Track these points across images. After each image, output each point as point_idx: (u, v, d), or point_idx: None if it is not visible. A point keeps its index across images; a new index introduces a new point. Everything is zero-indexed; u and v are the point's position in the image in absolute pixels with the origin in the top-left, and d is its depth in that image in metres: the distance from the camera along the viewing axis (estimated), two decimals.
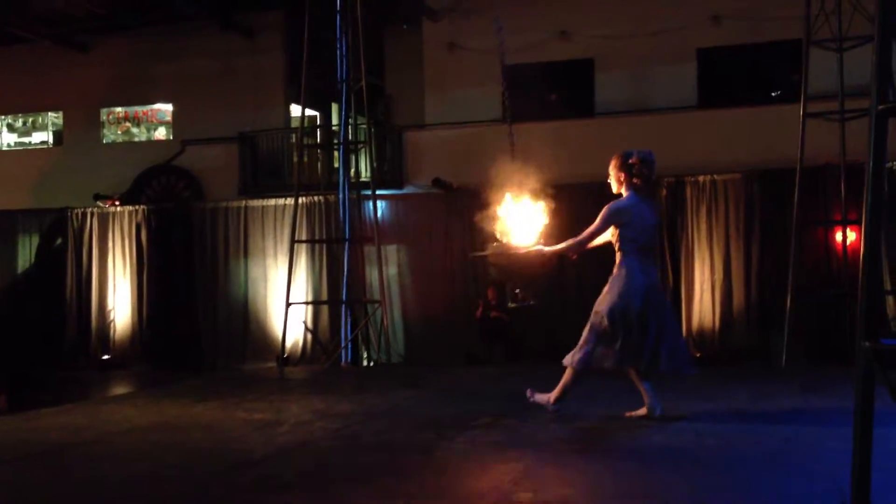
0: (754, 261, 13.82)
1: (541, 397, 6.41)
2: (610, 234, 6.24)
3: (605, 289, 6.21)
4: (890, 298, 12.98)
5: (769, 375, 9.29)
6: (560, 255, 6.48)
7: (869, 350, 3.06)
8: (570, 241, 6.30)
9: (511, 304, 6.92)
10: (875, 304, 3.20)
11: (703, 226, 14.08)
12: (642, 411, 6.20)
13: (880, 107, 3.08)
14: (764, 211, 13.78)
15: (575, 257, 6.55)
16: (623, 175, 6.17)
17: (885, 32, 3.10)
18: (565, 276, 13.60)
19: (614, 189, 6.29)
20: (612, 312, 6.07)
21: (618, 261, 6.20)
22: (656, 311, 6.11)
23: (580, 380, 6.28)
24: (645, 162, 6.15)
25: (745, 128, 14.73)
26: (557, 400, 6.32)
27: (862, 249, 3.20)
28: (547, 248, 6.40)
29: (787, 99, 14.88)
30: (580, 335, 6.26)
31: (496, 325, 14.24)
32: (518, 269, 6.46)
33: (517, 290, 6.59)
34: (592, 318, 6.20)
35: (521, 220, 6.65)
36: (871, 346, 3.06)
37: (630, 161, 6.15)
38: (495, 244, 6.60)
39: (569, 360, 6.24)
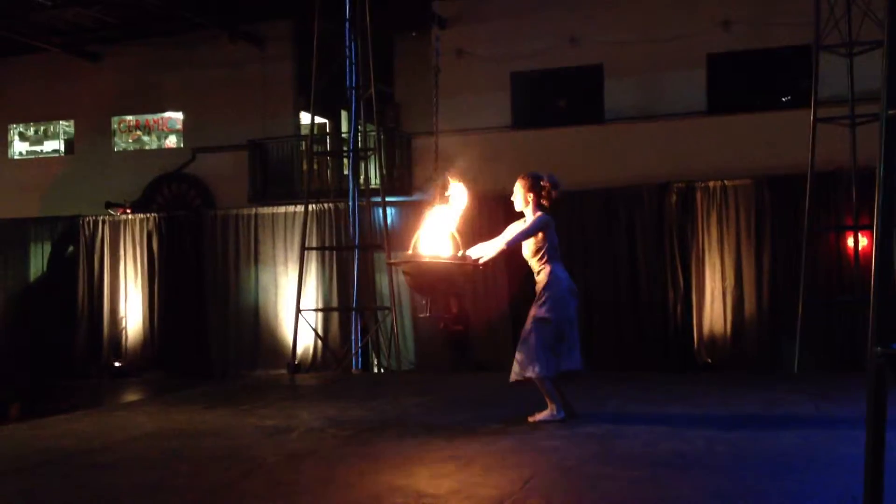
0: (765, 267, 13.79)
1: (542, 415, 6.35)
2: (527, 253, 6.38)
3: (542, 296, 6.28)
4: None
5: (781, 382, 9.23)
6: (483, 268, 6.44)
7: (881, 355, 3.04)
8: (499, 245, 6.26)
9: (421, 315, 6.87)
10: (887, 310, 3.18)
11: (714, 232, 14.05)
12: (547, 413, 6.29)
13: (890, 111, 3.06)
14: (775, 217, 13.75)
15: (484, 266, 6.43)
16: (532, 195, 6.35)
17: (894, 35, 3.09)
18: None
19: (517, 207, 6.44)
20: (559, 317, 6.22)
21: (547, 269, 6.32)
22: (577, 314, 6.42)
23: (554, 383, 6.30)
24: (555, 186, 6.37)
25: (756, 133, 14.69)
26: (558, 409, 6.32)
27: (874, 255, 3.18)
28: (476, 256, 6.32)
29: (797, 104, 14.83)
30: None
31: (455, 337, 14.35)
32: (432, 280, 6.37)
33: (424, 302, 6.55)
34: (537, 325, 6.23)
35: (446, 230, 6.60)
36: (883, 351, 3.04)
37: (542, 183, 6.35)
38: (408, 253, 6.52)
39: (530, 374, 6.24)
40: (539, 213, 6.34)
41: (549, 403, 6.34)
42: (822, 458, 5.02)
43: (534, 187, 6.34)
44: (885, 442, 3.07)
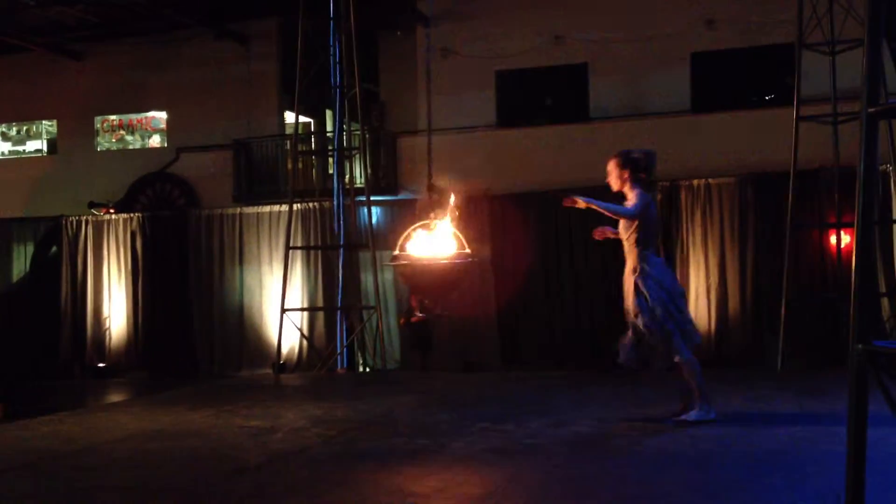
0: (749, 264, 13.85)
1: (688, 416, 6.11)
2: (622, 229, 6.22)
3: (646, 286, 6.06)
4: (885, 300, 13.01)
5: (765, 379, 9.28)
6: (467, 271, 6.40)
7: (862, 352, 3.06)
8: (604, 205, 6.09)
9: (418, 314, 6.91)
10: (868, 307, 3.19)
11: (698, 230, 14.10)
12: (696, 412, 6.12)
13: (871, 109, 3.08)
14: (758, 214, 13.81)
15: (602, 236, 6.41)
16: (627, 172, 6.20)
17: (874, 34, 3.11)
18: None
19: (614, 188, 6.31)
20: (666, 305, 6.06)
21: (643, 257, 6.12)
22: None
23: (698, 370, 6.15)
24: (649, 156, 6.26)
25: (740, 131, 14.75)
26: (709, 408, 6.12)
27: (854, 253, 3.20)
28: (591, 202, 6.14)
29: (781, 102, 14.90)
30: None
31: (421, 332, 14.38)
32: (425, 279, 6.39)
33: (424, 301, 6.56)
34: (649, 319, 6.03)
35: (444, 228, 6.61)
36: (864, 348, 3.05)
37: (635, 156, 6.23)
38: (401, 253, 6.54)
39: (670, 361, 6.07)
40: (638, 191, 6.14)
41: (697, 400, 6.10)
42: (805, 454, 5.04)
43: (627, 162, 6.20)
44: (867, 438, 3.09)
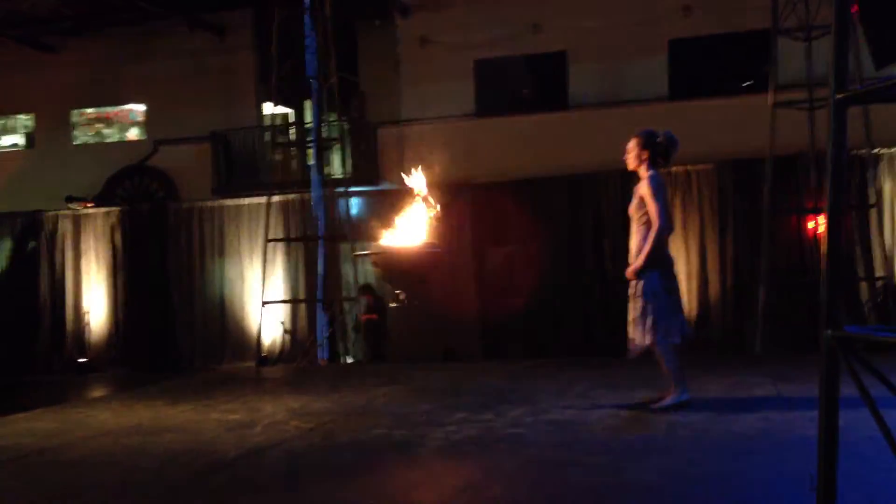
0: (729, 250, 13.89)
1: (664, 402, 6.14)
2: (634, 209, 6.20)
3: (646, 266, 6.10)
4: (863, 284, 13.10)
5: (743, 364, 9.34)
6: (440, 256, 6.45)
7: (832, 338, 3.07)
8: (654, 235, 6.04)
9: (392, 304, 6.93)
10: (839, 293, 3.21)
11: (678, 216, 14.12)
12: (671, 397, 6.15)
13: (839, 95, 3.09)
14: (737, 200, 13.85)
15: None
16: (646, 153, 6.17)
17: (842, 20, 3.11)
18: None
19: (630, 166, 6.28)
20: (662, 289, 6.14)
21: (642, 234, 6.14)
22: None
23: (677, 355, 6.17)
24: (671, 142, 6.20)
25: (717, 118, 14.78)
26: (682, 390, 6.14)
27: (825, 239, 3.21)
28: (637, 262, 6.10)
29: (758, 88, 14.94)
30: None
31: (372, 326, 14.55)
32: (401, 269, 6.40)
33: (397, 291, 6.56)
34: (645, 298, 6.10)
35: (415, 218, 6.63)
36: (834, 334, 3.07)
37: (657, 140, 6.18)
38: (377, 244, 6.57)
39: (647, 342, 6.07)
40: (651, 172, 6.12)
41: (673, 384, 6.14)
42: (780, 439, 5.07)
43: (647, 144, 6.15)
44: (838, 422, 3.11)
